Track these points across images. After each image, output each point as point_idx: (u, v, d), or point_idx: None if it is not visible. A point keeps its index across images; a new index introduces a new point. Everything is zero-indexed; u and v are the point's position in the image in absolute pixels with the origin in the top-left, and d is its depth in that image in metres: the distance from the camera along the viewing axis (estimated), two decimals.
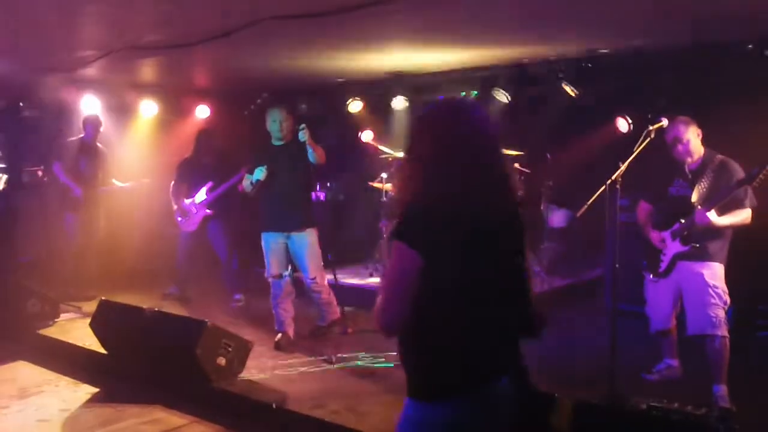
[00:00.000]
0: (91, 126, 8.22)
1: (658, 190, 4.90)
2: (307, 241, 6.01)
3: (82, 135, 8.24)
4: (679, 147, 4.67)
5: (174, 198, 7.95)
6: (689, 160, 4.70)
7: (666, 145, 4.75)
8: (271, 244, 6.06)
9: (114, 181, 8.36)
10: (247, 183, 6.11)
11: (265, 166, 5.95)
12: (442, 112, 2.45)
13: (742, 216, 4.57)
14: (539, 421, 3.62)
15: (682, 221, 4.67)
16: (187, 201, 7.84)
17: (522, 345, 2.47)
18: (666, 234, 4.81)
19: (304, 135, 5.79)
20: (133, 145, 9.56)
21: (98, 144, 8.33)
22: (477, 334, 2.31)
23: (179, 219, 7.91)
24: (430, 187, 2.30)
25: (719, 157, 4.68)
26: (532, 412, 2.62)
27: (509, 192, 2.42)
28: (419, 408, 2.31)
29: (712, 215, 4.49)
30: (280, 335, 6.13)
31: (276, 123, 6.01)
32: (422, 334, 2.29)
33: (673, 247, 4.76)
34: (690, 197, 4.67)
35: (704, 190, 4.63)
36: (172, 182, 7.99)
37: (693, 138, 4.66)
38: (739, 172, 4.58)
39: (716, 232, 4.63)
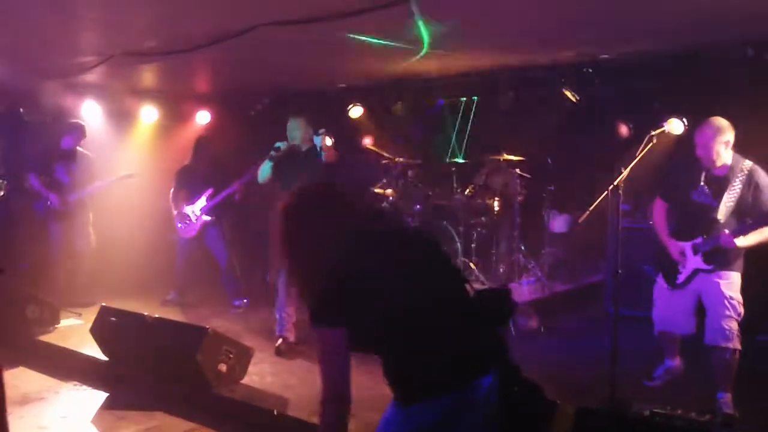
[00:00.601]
0: (72, 134, 8.07)
1: (680, 192, 4.72)
2: None
3: (60, 143, 8.09)
4: (701, 151, 4.51)
5: (174, 204, 7.96)
6: (711, 167, 4.56)
7: (693, 144, 4.60)
8: None
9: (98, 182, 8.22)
10: (265, 166, 6.18)
11: (286, 142, 6.17)
12: (292, 209, 2.63)
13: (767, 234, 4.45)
14: (540, 427, 3.60)
15: (705, 237, 4.53)
16: (187, 207, 7.84)
17: (500, 346, 2.60)
18: (687, 246, 4.65)
19: (320, 140, 5.90)
20: (132, 150, 9.57)
21: (79, 149, 8.18)
22: (422, 350, 2.47)
23: (179, 225, 7.91)
24: (319, 270, 2.50)
25: (747, 164, 4.50)
26: (533, 407, 2.64)
27: (387, 221, 2.68)
28: (392, 406, 2.55)
29: (739, 241, 4.39)
30: (280, 340, 6.12)
31: (289, 132, 6.20)
32: (385, 360, 2.55)
33: (694, 262, 4.61)
34: (713, 207, 4.50)
35: (731, 203, 4.46)
36: (172, 189, 8.01)
37: (719, 147, 4.47)
38: None
39: (736, 250, 4.53)
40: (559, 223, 8.28)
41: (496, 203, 8.05)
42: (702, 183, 4.59)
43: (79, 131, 8.15)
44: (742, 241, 4.40)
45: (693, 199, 4.62)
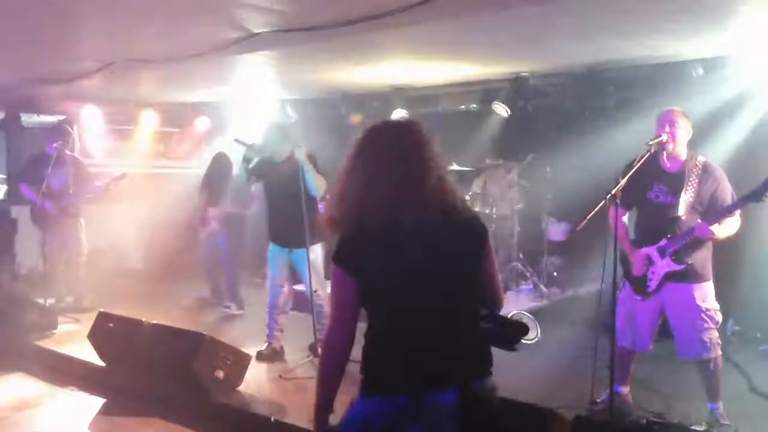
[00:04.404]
0: (57, 139, 7.88)
1: (635, 195, 4.53)
2: (309, 256, 5.85)
3: (46, 149, 7.91)
4: (665, 129, 4.38)
5: (201, 205, 8.16)
6: (670, 147, 4.39)
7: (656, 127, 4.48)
8: (275, 254, 6.12)
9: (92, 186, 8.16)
10: (241, 172, 6.08)
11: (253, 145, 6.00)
12: (387, 137, 2.55)
13: (736, 225, 4.35)
14: None
15: (669, 237, 4.40)
16: (211, 210, 8.03)
17: (481, 365, 2.53)
18: (652, 251, 4.49)
19: (300, 152, 5.75)
20: (132, 155, 9.61)
21: (68, 153, 8.06)
22: (402, 344, 2.46)
23: (201, 227, 8.15)
24: (361, 210, 2.44)
25: (701, 159, 4.43)
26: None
27: (444, 206, 2.48)
28: (360, 401, 2.51)
29: (716, 228, 4.24)
30: (265, 345, 6.15)
31: (272, 143, 5.95)
32: (367, 337, 2.52)
33: (663, 266, 4.44)
34: (673, 205, 4.39)
35: (691, 199, 4.36)
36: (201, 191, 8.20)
37: (681, 130, 4.39)
38: (724, 178, 4.38)
39: (705, 246, 4.40)
40: (557, 232, 8.28)
41: (494, 211, 8.07)
42: (658, 183, 4.48)
43: (63, 135, 7.99)
44: (718, 230, 4.25)
45: (650, 199, 4.50)
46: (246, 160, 6.01)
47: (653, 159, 4.47)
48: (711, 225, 4.24)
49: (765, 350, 6.12)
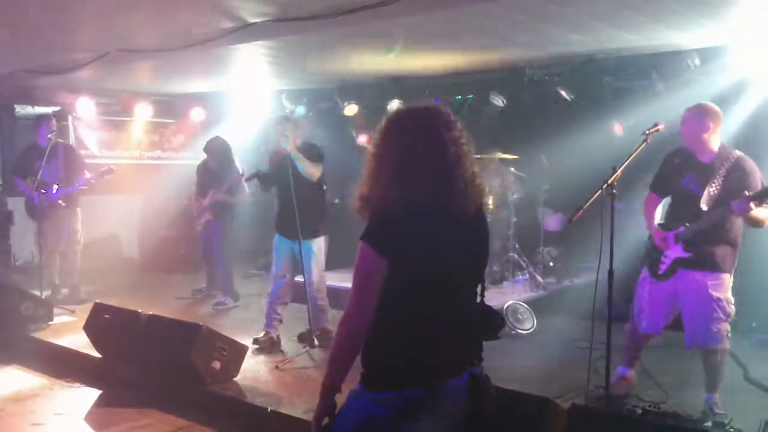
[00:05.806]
0: (42, 128, 7.81)
1: (671, 182, 4.59)
2: (312, 249, 6.07)
3: (38, 140, 7.86)
4: (686, 134, 4.46)
5: (194, 197, 8.21)
6: (698, 153, 4.44)
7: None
8: (280, 246, 6.20)
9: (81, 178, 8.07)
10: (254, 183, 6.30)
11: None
12: (418, 118, 2.48)
13: None
14: (533, 425, 3.61)
15: (688, 225, 4.43)
16: (201, 202, 8.05)
17: (480, 353, 2.52)
18: (670, 235, 4.53)
19: (286, 142, 5.76)
20: (126, 147, 9.58)
21: (60, 143, 8.02)
22: (427, 335, 2.39)
23: (197, 218, 8.16)
24: (397, 191, 2.37)
25: (736, 153, 4.42)
26: (487, 420, 2.49)
27: (472, 198, 2.45)
28: (365, 397, 2.41)
29: (754, 207, 4.16)
30: (263, 334, 6.19)
31: (279, 134, 5.96)
32: (377, 329, 2.38)
33: (675, 251, 4.50)
34: (698, 195, 4.40)
35: (716, 192, 4.36)
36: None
37: (697, 123, 4.40)
38: (756, 172, 4.35)
39: (723, 240, 4.41)
40: (553, 222, 8.29)
41: (490, 202, 8.06)
42: (691, 171, 4.50)
43: (46, 123, 7.87)
44: (756, 209, 4.18)
45: (682, 185, 4.53)
46: (256, 177, 6.22)
47: (689, 151, 4.52)
48: (749, 202, 4.16)
49: (760, 340, 6.13)
